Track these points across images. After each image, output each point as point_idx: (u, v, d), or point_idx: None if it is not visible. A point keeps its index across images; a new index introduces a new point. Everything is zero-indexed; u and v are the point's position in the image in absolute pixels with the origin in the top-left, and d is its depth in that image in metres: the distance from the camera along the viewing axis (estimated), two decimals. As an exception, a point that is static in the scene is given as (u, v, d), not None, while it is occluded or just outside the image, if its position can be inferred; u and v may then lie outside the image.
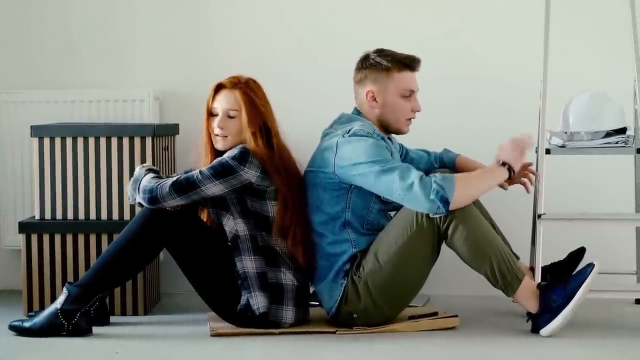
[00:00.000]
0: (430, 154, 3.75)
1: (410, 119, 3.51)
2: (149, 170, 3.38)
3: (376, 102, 3.48)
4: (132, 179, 3.39)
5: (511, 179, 3.43)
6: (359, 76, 3.51)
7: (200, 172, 3.31)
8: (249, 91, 3.39)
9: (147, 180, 3.32)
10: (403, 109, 3.49)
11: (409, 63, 3.47)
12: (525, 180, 3.58)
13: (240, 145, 3.35)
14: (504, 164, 3.38)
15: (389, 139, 3.55)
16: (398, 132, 3.52)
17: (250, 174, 3.32)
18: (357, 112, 3.52)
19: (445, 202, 3.22)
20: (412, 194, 3.25)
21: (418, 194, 3.24)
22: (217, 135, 3.39)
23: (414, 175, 3.26)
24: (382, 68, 3.47)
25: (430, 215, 3.27)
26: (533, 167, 3.62)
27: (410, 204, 3.28)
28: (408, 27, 4.09)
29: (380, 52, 3.49)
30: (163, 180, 3.31)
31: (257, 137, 3.36)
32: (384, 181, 3.29)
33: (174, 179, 3.30)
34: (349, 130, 3.38)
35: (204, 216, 3.49)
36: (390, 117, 3.49)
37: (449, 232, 3.29)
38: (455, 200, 3.24)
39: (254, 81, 3.44)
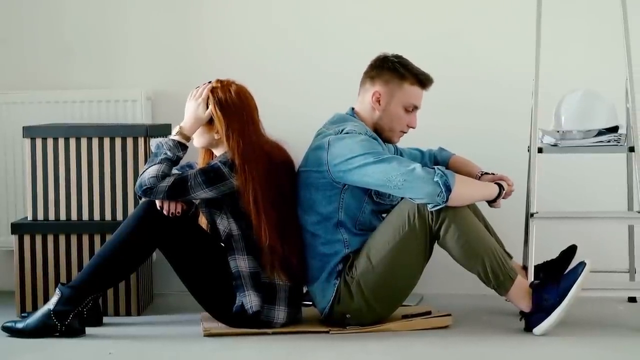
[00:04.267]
0: (424, 152, 3.74)
1: (403, 132, 3.51)
2: (167, 160, 3.33)
3: (379, 104, 3.48)
4: (158, 142, 3.37)
5: (496, 200, 3.40)
6: (371, 73, 3.49)
7: (194, 177, 3.30)
8: (214, 97, 3.38)
9: (150, 175, 3.30)
10: (400, 121, 3.48)
11: (423, 80, 3.47)
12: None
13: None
14: (499, 185, 3.39)
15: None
16: (388, 141, 3.51)
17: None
18: (352, 112, 3.51)
19: (447, 188, 3.22)
20: (413, 177, 3.25)
21: (421, 177, 3.24)
22: None
23: (414, 162, 3.29)
24: (397, 75, 3.46)
25: (429, 207, 3.27)
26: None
27: (409, 190, 3.27)
28: (400, 29, 4.09)
29: (399, 59, 3.48)
30: (160, 182, 3.30)
31: (218, 140, 3.38)
32: (380, 170, 3.28)
33: (170, 182, 3.29)
34: (342, 130, 3.38)
35: (202, 220, 3.49)
36: (386, 124, 3.48)
37: (441, 232, 3.29)
38: (454, 193, 3.23)
39: (225, 88, 3.39)
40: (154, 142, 3.40)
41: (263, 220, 3.32)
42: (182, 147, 3.38)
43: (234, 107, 3.36)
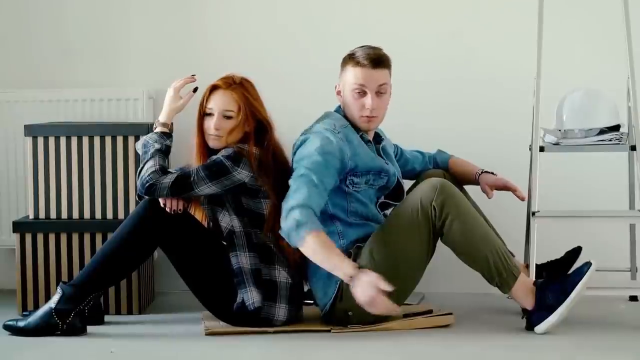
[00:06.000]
0: (425, 154, 3.75)
1: (366, 117, 3.44)
2: (157, 152, 3.37)
3: (340, 95, 3.49)
4: (143, 142, 3.41)
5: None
6: None
7: (197, 172, 3.31)
8: (245, 91, 3.40)
9: (148, 171, 3.31)
10: (354, 106, 3.44)
11: (361, 59, 3.41)
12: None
13: (236, 145, 3.36)
14: (352, 278, 3.21)
15: (379, 136, 3.56)
16: (363, 130, 3.47)
17: (243, 175, 3.33)
18: (339, 108, 3.52)
19: (294, 243, 3.25)
20: (284, 219, 3.26)
21: (283, 220, 3.26)
22: (212, 135, 3.40)
23: (292, 205, 3.23)
24: (343, 62, 3.48)
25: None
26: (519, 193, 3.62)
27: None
28: (402, 29, 4.08)
29: (357, 47, 3.47)
30: (162, 177, 3.30)
31: (251, 137, 3.37)
32: (290, 189, 3.30)
33: (172, 179, 3.30)
34: (309, 130, 3.42)
35: (198, 215, 3.49)
36: (348, 112, 3.47)
37: (445, 229, 3.29)
38: (302, 250, 3.25)
39: (247, 80, 3.45)
40: (139, 144, 3.42)
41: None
42: (166, 136, 3.42)
43: (260, 99, 3.44)
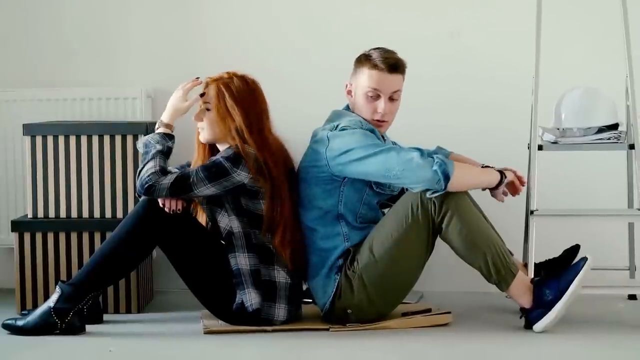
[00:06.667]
0: (423, 152, 3.73)
1: (379, 121, 3.44)
2: (159, 153, 3.35)
3: (351, 96, 3.48)
4: (144, 141, 3.38)
5: (498, 188, 3.40)
6: None
7: (196, 173, 3.31)
8: (224, 87, 3.37)
9: (148, 172, 3.30)
10: (366, 109, 3.43)
11: (378, 63, 3.40)
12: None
13: (235, 145, 3.35)
14: (502, 173, 3.38)
15: (382, 137, 3.56)
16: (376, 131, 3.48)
17: (242, 176, 3.33)
18: (347, 107, 3.52)
19: (446, 176, 3.23)
20: (412, 166, 3.25)
21: (420, 165, 3.24)
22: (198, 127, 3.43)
23: (414, 151, 3.29)
24: (358, 63, 3.47)
25: (428, 194, 3.27)
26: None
27: (408, 179, 3.27)
28: (401, 27, 4.08)
29: (371, 50, 3.47)
30: (161, 178, 3.29)
31: (236, 134, 3.35)
32: (379, 161, 3.28)
33: (172, 179, 3.30)
34: (337, 126, 3.38)
35: (200, 216, 3.49)
36: (358, 113, 3.47)
37: (444, 225, 3.29)
38: (453, 181, 3.24)
39: (240, 78, 3.41)
40: (140, 143, 3.41)
41: (279, 215, 3.35)
42: (168, 137, 3.40)
43: (251, 98, 3.39)
